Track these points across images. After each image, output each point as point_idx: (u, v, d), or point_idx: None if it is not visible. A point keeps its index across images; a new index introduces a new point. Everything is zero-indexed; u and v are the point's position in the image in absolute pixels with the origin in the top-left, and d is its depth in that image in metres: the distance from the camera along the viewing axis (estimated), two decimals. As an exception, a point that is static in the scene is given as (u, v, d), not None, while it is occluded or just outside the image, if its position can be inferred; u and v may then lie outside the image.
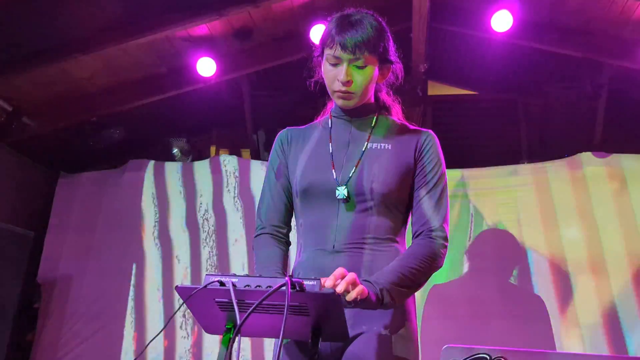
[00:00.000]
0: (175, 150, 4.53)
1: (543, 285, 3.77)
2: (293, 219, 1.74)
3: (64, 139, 4.46)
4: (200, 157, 4.66)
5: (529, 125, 4.51)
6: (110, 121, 4.34)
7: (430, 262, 1.54)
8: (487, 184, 4.07)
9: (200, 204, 4.33)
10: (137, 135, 4.48)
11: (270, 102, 4.38)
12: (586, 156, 4.00)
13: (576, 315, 3.67)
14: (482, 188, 4.07)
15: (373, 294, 1.39)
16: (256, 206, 1.80)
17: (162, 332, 3.84)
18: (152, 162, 4.49)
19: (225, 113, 4.68)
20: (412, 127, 1.73)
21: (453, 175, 4.12)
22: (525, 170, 4.09)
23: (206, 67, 3.94)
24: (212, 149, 4.84)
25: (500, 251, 3.91)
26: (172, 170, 4.44)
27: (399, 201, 1.62)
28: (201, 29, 3.79)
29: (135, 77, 4.15)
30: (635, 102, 4.19)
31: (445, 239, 1.59)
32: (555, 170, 4.02)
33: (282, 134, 1.78)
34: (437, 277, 3.86)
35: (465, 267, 3.90)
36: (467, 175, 4.11)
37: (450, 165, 4.13)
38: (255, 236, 1.70)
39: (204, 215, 4.29)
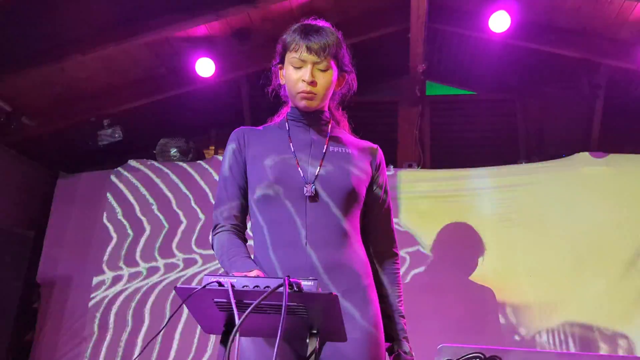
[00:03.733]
0: (174, 151, 4.53)
1: (537, 285, 3.78)
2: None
3: (63, 139, 4.47)
4: (199, 157, 4.66)
5: (527, 125, 4.52)
6: (109, 121, 4.35)
7: (400, 284, 1.78)
8: (484, 183, 4.08)
9: (199, 203, 4.33)
10: (135, 135, 4.49)
11: (269, 102, 4.39)
12: (583, 156, 4.02)
13: (570, 315, 3.69)
14: (479, 188, 4.08)
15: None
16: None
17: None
18: (150, 162, 4.50)
19: (224, 113, 4.69)
20: (360, 140, 1.84)
21: (450, 175, 4.13)
22: (523, 170, 4.10)
23: (205, 67, 3.95)
24: (211, 149, 4.85)
25: (497, 250, 3.93)
26: (171, 170, 4.45)
27: (358, 201, 1.70)
28: (200, 29, 3.80)
29: (134, 77, 4.16)
30: (633, 102, 4.21)
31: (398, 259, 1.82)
32: (553, 170, 4.03)
33: (237, 132, 1.80)
34: (434, 275, 3.88)
35: (463, 266, 3.91)
36: (464, 175, 4.12)
37: (448, 165, 4.17)
38: (214, 234, 1.69)
39: (202, 214, 4.30)
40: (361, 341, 1.55)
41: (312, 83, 1.66)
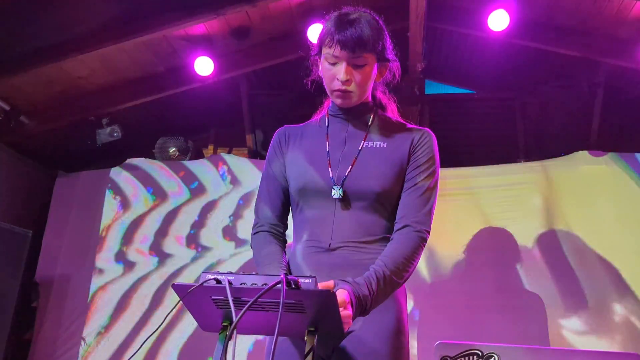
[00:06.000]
0: (173, 149, 4.53)
1: (539, 283, 3.78)
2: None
3: (61, 138, 4.47)
4: (198, 156, 4.66)
5: (526, 124, 4.52)
6: (108, 120, 4.35)
7: (412, 258, 1.54)
8: (483, 182, 4.08)
9: (198, 202, 4.33)
10: (134, 134, 4.49)
11: (268, 101, 4.40)
12: (582, 155, 4.02)
13: (569, 313, 3.69)
14: (478, 186, 4.08)
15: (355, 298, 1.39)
16: (253, 204, 1.81)
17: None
18: (149, 161, 4.50)
19: (223, 112, 4.69)
20: (409, 125, 1.74)
21: (450, 174, 4.13)
22: (522, 169, 4.11)
23: (204, 66, 3.95)
24: (210, 148, 4.85)
25: (497, 249, 3.93)
26: (170, 169, 4.45)
27: (394, 200, 1.62)
28: (199, 28, 3.80)
29: (133, 76, 4.16)
30: (632, 100, 4.20)
31: (427, 232, 1.58)
32: (552, 169, 4.03)
33: (280, 131, 1.79)
34: (435, 274, 3.88)
35: (463, 265, 3.91)
36: (464, 174, 4.12)
37: (448, 164, 4.18)
38: (254, 233, 1.71)
39: (201, 213, 4.30)
40: (381, 342, 1.52)
41: (347, 82, 1.59)
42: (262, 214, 1.72)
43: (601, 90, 4.07)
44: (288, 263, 1.67)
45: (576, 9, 3.66)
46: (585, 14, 3.68)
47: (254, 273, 1.55)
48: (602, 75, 4.04)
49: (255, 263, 1.66)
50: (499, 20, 3.70)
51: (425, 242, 1.58)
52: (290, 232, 1.73)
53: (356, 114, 1.70)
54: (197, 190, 4.37)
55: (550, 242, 3.87)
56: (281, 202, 1.71)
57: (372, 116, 1.71)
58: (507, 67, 4.45)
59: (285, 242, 1.71)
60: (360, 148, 1.65)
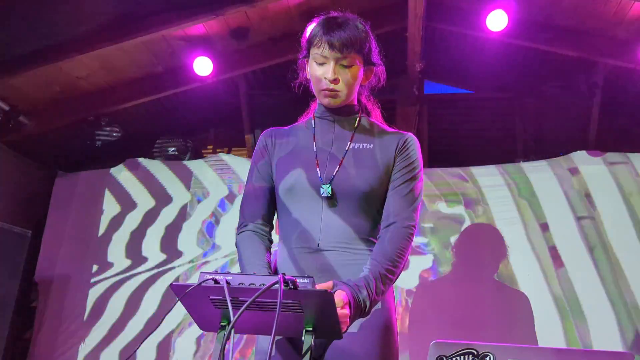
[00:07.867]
0: (172, 150, 4.54)
1: (535, 283, 3.79)
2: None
3: (61, 138, 4.47)
4: (197, 156, 4.67)
5: (524, 124, 4.53)
6: (107, 120, 4.35)
7: (402, 253, 1.57)
8: (481, 182, 4.09)
9: (197, 202, 4.34)
10: (134, 134, 4.49)
11: (266, 101, 4.40)
12: (581, 155, 4.03)
13: (567, 313, 3.70)
14: (476, 186, 4.08)
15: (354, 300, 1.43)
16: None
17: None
18: (149, 161, 4.50)
19: (222, 112, 4.70)
20: (392, 129, 1.77)
21: (448, 174, 4.14)
22: (521, 169, 4.11)
23: (203, 66, 3.96)
24: (209, 148, 4.86)
25: (494, 248, 3.94)
26: (169, 169, 4.45)
27: (380, 201, 1.65)
28: (198, 28, 3.80)
29: (132, 76, 4.17)
30: (630, 100, 4.21)
31: (414, 227, 1.62)
32: (551, 169, 4.04)
33: (266, 133, 1.81)
34: (431, 274, 3.89)
35: (459, 265, 3.92)
36: (463, 174, 4.13)
37: (446, 163, 4.19)
38: (239, 233, 1.71)
39: (201, 213, 4.31)
40: (371, 341, 1.53)
41: (335, 81, 1.62)
42: (247, 213, 1.72)
43: (599, 90, 4.08)
44: (275, 264, 1.67)
45: (574, 9, 3.67)
46: (584, 14, 3.69)
47: (251, 273, 1.57)
48: (601, 76, 4.05)
49: (239, 263, 1.66)
50: (497, 21, 3.71)
51: (413, 237, 1.62)
52: (276, 233, 1.74)
53: (342, 115, 1.73)
54: (196, 189, 4.38)
55: (547, 242, 3.88)
56: (267, 202, 1.72)
57: (357, 119, 1.74)
58: (505, 67, 4.46)
59: (271, 242, 1.72)
60: (347, 149, 1.68)
